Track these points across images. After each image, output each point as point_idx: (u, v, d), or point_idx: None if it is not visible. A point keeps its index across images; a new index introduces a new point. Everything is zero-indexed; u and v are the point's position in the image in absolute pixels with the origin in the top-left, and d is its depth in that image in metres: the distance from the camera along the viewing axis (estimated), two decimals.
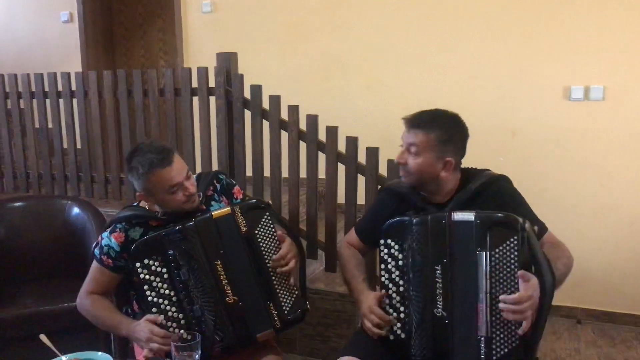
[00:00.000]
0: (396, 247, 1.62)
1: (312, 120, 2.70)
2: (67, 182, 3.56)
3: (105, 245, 1.78)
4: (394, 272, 1.62)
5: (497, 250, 1.46)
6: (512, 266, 1.45)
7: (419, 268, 1.56)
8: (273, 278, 1.73)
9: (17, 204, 2.86)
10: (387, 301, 1.63)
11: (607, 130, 3.20)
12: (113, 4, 4.87)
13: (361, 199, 2.63)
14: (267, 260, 1.73)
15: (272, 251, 1.74)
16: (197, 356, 1.41)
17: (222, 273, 1.68)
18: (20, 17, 4.95)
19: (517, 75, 3.35)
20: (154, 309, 1.65)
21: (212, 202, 1.90)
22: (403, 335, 1.60)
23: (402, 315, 1.61)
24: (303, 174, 2.78)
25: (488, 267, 1.46)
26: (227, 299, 1.67)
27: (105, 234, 1.80)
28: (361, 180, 2.62)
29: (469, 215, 1.51)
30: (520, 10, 3.32)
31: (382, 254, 1.65)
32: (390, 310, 1.62)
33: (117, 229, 1.78)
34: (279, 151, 2.83)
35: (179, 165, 1.72)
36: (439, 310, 1.53)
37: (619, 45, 3.14)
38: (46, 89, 3.47)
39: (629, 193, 3.20)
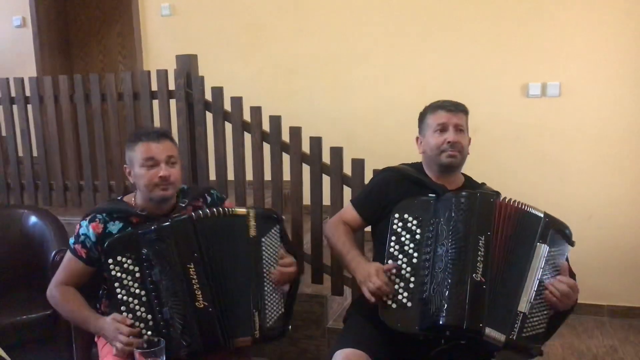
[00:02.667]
0: (414, 221, 1.70)
1: (275, 121, 2.69)
2: (23, 191, 3.45)
3: (83, 234, 1.76)
4: (408, 245, 1.68)
5: (553, 249, 1.64)
6: (557, 267, 1.64)
7: (461, 236, 1.62)
8: (265, 289, 1.72)
9: None
10: (394, 271, 1.66)
11: (564, 126, 3.29)
12: (68, 8, 4.74)
13: (326, 199, 2.62)
14: (265, 270, 1.73)
15: (273, 263, 1.75)
16: None
17: (194, 277, 1.65)
18: None
19: (476, 72, 3.42)
20: (122, 308, 1.62)
21: None
22: (409, 304, 1.62)
23: (411, 285, 1.64)
24: (268, 176, 2.76)
25: (544, 258, 1.62)
26: (197, 303, 1.64)
27: (84, 223, 1.78)
28: (326, 180, 2.62)
29: (539, 212, 1.69)
30: (478, 9, 3.39)
31: (394, 226, 1.71)
32: (397, 280, 1.65)
33: (97, 219, 1.76)
34: (242, 153, 2.81)
35: (164, 147, 1.75)
36: (478, 275, 1.58)
37: (574, 43, 3.24)
38: None
39: (587, 187, 3.30)
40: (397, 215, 1.72)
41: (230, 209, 1.77)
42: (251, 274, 1.71)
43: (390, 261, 1.68)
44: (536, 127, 3.34)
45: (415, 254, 1.67)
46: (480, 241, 1.61)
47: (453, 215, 1.65)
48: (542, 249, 1.63)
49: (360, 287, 1.69)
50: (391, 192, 1.85)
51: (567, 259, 1.68)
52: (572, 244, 1.69)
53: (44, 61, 4.53)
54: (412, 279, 1.64)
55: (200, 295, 1.64)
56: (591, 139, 3.26)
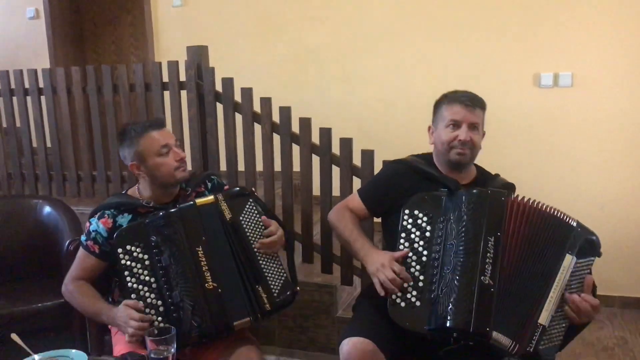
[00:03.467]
0: (425, 218, 1.66)
1: (285, 112, 2.70)
2: (37, 181, 3.50)
3: (93, 231, 1.80)
4: (418, 242, 1.65)
5: (580, 261, 1.59)
6: (582, 281, 1.58)
7: (470, 236, 1.58)
8: (261, 262, 1.76)
9: None
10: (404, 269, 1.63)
11: (576, 116, 3.27)
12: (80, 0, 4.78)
13: (336, 190, 2.63)
14: (253, 245, 1.76)
15: (258, 236, 1.78)
16: (172, 350, 1.40)
17: (203, 259, 1.69)
18: None
19: (488, 62, 3.39)
20: (133, 295, 1.66)
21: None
22: (418, 304, 1.59)
23: (420, 283, 1.61)
24: (278, 167, 2.77)
25: (570, 270, 1.57)
26: (206, 284, 1.67)
27: (93, 220, 1.82)
28: (335, 171, 2.62)
29: (571, 221, 1.63)
30: (490, 0, 3.36)
31: (404, 223, 1.68)
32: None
33: (106, 215, 1.81)
34: (252, 144, 2.82)
35: (169, 133, 1.84)
36: (487, 278, 1.55)
37: (587, 33, 3.20)
38: (12, 86, 3.40)
39: (599, 177, 3.27)
40: (407, 212, 1.68)
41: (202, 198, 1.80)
42: (239, 255, 1.74)
43: (406, 249, 1.65)
44: (548, 118, 3.31)
45: (425, 252, 1.64)
46: (490, 242, 1.57)
47: (463, 214, 1.61)
48: (571, 261, 1.57)
49: (371, 277, 1.68)
50: (399, 186, 1.82)
51: (590, 271, 1.62)
52: (599, 254, 1.63)
53: (57, 53, 4.57)
54: (422, 277, 1.62)
55: (209, 277, 1.68)
56: (603, 129, 3.23)
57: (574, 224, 1.62)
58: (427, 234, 1.65)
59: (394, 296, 1.61)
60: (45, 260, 2.61)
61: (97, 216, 1.82)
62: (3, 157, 3.55)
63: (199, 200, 1.78)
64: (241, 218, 1.78)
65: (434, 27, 3.49)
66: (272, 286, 1.74)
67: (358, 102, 3.66)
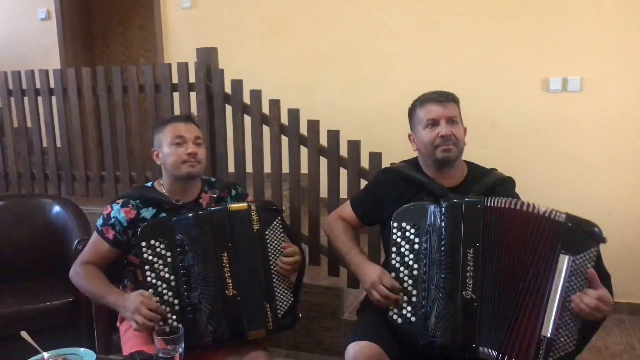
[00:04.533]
0: (412, 230, 1.63)
1: (294, 114, 2.71)
2: (47, 181, 3.53)
3: (113, 217, 1.81)
4: (408, 255, 1.63)
5: (578, 257, 1.47)
6: (585, 275, 1.47)
7: (448, 250, 1.56)
8: (274, 280, 1.75)
9: None
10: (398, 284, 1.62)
11: (584, 121, 3.25)
12: (91, 1, 4.81)
13: (344, 193, 2.64)
14: (271, 262, 1.75)
15: (277, 254, 1.77)
16: (180, 349, 1.41)
17: (227, 265, 1.68)
18: None
19: (496, 67, 3.39)
20: (150, 290, 1.64)
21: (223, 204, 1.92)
22: (413, 319, 1.59)
23: (413, 299, 1.60)
24: (285, 168, 2.78)
25: (568, 271, 1.47)
26: (226, 291, 1.67)
27: (116, 206, 1.82)
28: (343, 173, 2.63)
29: (559, 217, 1.50)
30: (499, 3, 3.36)
31: (394, 236, 1.65)
32: (400, 294, 1.62)
33: (130, 205, 1.81)
34: (260, 146, 2.83)
35: (192, 129, 1.86)
36: (468, 293, 1.53)
37: (595, 37, 3.19)
38: (24, 86, 3.43)
39: (607, 182, 3.26)
40: (395, 225, 1.66)
41: (235, 204, 1.79)
42: (260, 267, 1.73)
43: (393, 274, 1.63)
44: (556, 122, 3.30)
45: (415, 265, 1.62)
46: (469, 254, 1.54)
47: (441, 227, 1.58)
48: (566, 261, 1.47)
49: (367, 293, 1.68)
50: (388, 194, 1.80)
51: (599, 258, 1.51)
52: (603, 240, 1.49)
53: (67, 54, 4.61)
54: (414, 292, 1.61)
55: (231, 284, 1.68)
56: (612, 134, 3.22)
57: (562, 219, 1.50)
58: (416, 246, 1.63)
59: (390, 312, 1.62)
60: (54, 259, 2.63)
61: (120, 203, 1.82)
62: (14, 157, 3.58)
63: (232, 206, 1.76)
64: (267, 232, 1.76)
65: (442, 32, 3.49)
66: (278, 307, 1.74)
67: (366, 105, 3.67)
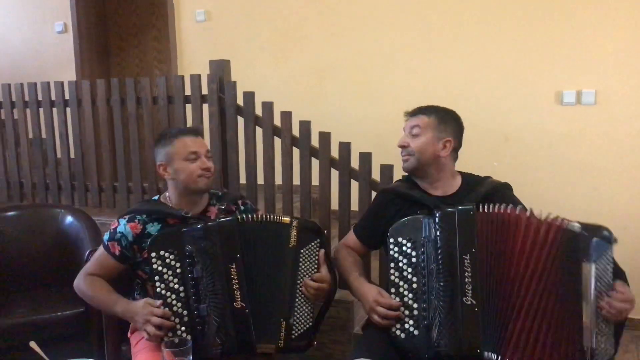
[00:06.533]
0: (408, 244, 1.65)
1: (305, 126, 2.71)
2: (60, 191, 3.55)
3: (119, 232, 1.80)
4: (406, 270, 1.64)
5: (600, 262, 1.47)
6: (608, 278, 1.49)
7: (446, 258, 1.57)
8: (297, 300, 1.73)
9: (11, 213, 2.86)
10: (398, 299, 1.63)
11: (599, 134, 3.22)
12: (107, 14, 4.89)
13: (355, 205, 2.63)
14: (299, 281, 1.73)
15: (307, 275, 1.74)
16: None
17: (235, 278, 1.67)
18: (15, 28, 4.96)
19: (509, 80, 3.37)
20: (159, 302, 1.64)
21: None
22: (416, 332, 1.59)
23: (415, 312, 1.61)
24: (297, 180, 2.78)
25: (594, 279, 1.46)
26: (235, 303, 1.66)
27: (122, 221, 1.81)
28: (354, 185, 2.62)
29: (573, 227, 1.51)
30: (512, 16, 3.35)
31: (391, 252, 1.66)
32: (402, 309, 1.62)
33: (136, 220, 1.81)
34: (272, 158, 2.84)
35: (202, 143, 1.87)
36: (469, 298, 1.54)
37: (610, 50, 3.17)
38: (39, 98, 3.47)
39: (622, 196, 3.21)
40: (391, 240, 1.67)
41: (275, 216, 1.78)
42: (285, 284, 1.71)
43: (393, 289, 1.64)
44: (570, 136, 3.27)
45: (415, 279, 1.63)
46: (466, 261, 1.56)
47: (436, 237, 1.60)
48: (591, 269, 1.46)
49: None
50: (386, 214, 1.82)
51: (613, 259, 1.51)
52: (615, 241, 1.50)
53: (83, 66, 4.68)
54: (415, 305, 1.61)
55: (239, 296, 1.67)
56: (627, 148, 3.18)
57: (577, 230, 1.50)
58: (413, 259, 1.64)
59: (393, 329, 1.62)
60: (66, 269, 2.63)
61: (127, 218, 1.81)
62: (29, 167, 3.62)
63: (274, 218, 1.76)
64: (302, 251, 1.74)
65: (454, 45, 3.49)
66: (294, 327, 1.71)
67: (377, 117, 3.66)
